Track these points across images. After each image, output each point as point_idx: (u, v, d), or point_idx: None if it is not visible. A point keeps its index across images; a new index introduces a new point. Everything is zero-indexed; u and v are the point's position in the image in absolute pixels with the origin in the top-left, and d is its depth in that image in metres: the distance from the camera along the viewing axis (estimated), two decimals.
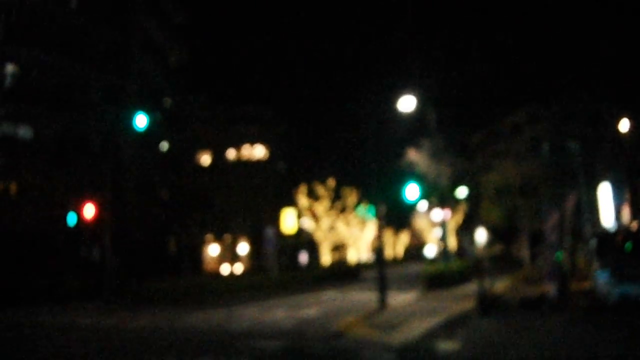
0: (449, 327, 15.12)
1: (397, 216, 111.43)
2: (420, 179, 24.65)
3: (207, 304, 28.15)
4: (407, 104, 25.22)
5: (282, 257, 67.81)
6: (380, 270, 21.73)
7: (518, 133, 61.38)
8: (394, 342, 13.61)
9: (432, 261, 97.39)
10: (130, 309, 26.11)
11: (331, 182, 61.53)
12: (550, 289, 17.41)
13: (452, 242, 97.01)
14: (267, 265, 45.20)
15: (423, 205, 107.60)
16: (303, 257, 71.08)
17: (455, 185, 35.80)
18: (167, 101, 51.43)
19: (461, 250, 51.50)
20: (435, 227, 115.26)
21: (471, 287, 29.64)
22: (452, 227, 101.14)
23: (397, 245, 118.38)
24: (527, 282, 28.37)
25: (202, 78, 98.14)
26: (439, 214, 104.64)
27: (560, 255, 21.05)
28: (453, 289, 29.01)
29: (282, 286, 37.03)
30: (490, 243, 74.11)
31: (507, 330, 14.30)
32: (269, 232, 40.53)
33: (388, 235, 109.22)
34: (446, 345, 13.07)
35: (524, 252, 32.99)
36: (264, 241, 42.07)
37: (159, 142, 48.20)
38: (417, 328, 15.36)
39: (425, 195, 25.52)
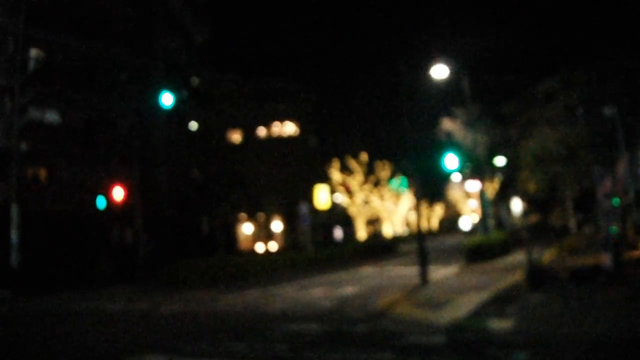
0: (498, 304, 14.20)
1: (431, 188, 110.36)
2: (458, 148, 23.64)
3: (242, 283, 27.54)
4: (440, 71, 24.71)
5: (317, 234, 67.30)
6: (420, 244, 20.86)
7: (552, 100, 59.88)
8: (441, 321, 12.77)
9: (470, 233, 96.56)
10: (164, 292, 25.55)
11: (364, 155, 60.63)
12: (605, 259, 16.37)
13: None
14: (301, 242, 44.59)
15: (457, 176, 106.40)
16: (338, 233, 70.56)
17: (492, 154, 34.67)
18: (195, 80, 50.70)
19: (498, 221, 50.40)
20: (469, 198, 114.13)
21: (513, 259, 28.70)
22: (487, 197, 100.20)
23: (431, 217, 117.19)
24: (573, 253, 27.28)
25: (228, 55, 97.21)
26: (474, 184, 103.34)
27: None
28: (494, 261, 28.06)
29: (318, 263, 36.40)
30: (526, 213, 72.80)
31: (562, 306, 13.34)
32: (303, 208, 39.77)
33: (422, 207, 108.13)
34: (498, 324, 12.17)
35: (569, 221, 31.74)
36: (298, 218, 41.39)
37: (188, 122, 47.52)
38: (464, 305, 14.50)
39: (463, 164, 24.58)
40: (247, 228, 62.20)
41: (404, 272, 28.62)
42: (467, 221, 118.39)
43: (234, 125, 72.76)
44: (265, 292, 22.91)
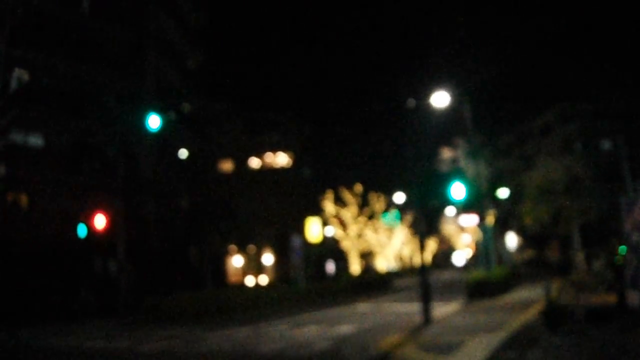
0: (516, 348, 12.66)
1: (425, 222, 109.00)
2: (464, 177, 22.24)
3: (231, 320, 25.93)
4: (441, 99, 23.80)
5: (309, 267, 65.60)
6: (423, 279, 19.33)
7: (548, 133, 58.78)
8: None
9: (464, 268, 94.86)
10: (147, 328, 23.86)
11: (358, 187, 59.12)
12: (633, 297, 14.88)
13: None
14: (293, 276, 43.04)
15: (451, 210, 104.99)
16: (330, 267, 68.86)
17: (494, 185, 33.33)
18: (186, 106, 49.32)
19: (496, 256, 48.95)
20: (463, 232, 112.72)
21: (517, 296, 27.24)
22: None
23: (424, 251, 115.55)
24: (581, 289, 25.74)
25: (221, 82, 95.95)
26: (468, 219, 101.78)
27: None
28: (498, 298, 26.54)
29: (311, 298, 34.88)
30: (521, 248, 71.56)
31: (592, 352, 11.84)
32: (296, 240, 38.26)
33: (415, 241, 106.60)
34: None
35: (575, 256, 30.27)
36: (290, 250, 39.82)
37: (177, 149, 46.04)
38: (477, 349, 12.98)
39: (469, 194, 23.22)
40: (237, 260, 60.43)
41: (403, 309, 27.10)
42: (461, 256, 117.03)
43: (225, 155, 71.27)
44: (255, 330, 21.32)
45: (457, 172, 25.37)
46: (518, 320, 17.36)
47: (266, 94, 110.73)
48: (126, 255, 29.73)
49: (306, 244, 59.98)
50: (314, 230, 58.65)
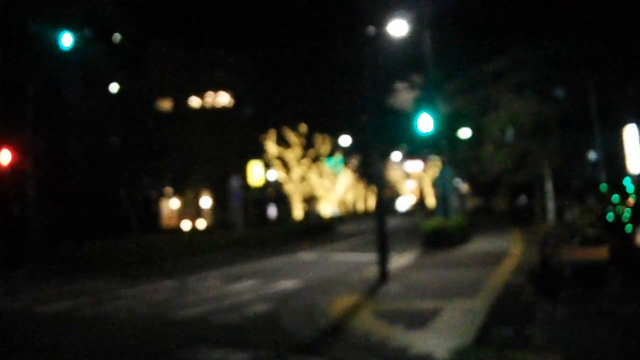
0: (507, 322, 9.77)
1: (368, 168, 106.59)
2: (431, 108, 19.35)
3: (156, 271, 22.81)
4: (398, 27, 21.35)
5: (250, 212, 62.70)
6: (379, 226, 16.37)
7: (500, 79, 56.14)
8: (437, 352, 8.32)
9: (408, 214, 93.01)
10: (57, 281, 20.59)
11: (302, 127, 55.83)
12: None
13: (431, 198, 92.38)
14: (232, 221, 40.17)
15: (397, 155, 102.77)
16: (272, 211, 66.20)
17: (454, 126, 30.51)
18: (116, 36, 45.12)
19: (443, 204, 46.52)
20: (408, 179, 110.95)
21: (477, 247, 24.69)
22: (428, 180, 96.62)
23: (368, 197, 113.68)
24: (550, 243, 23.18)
25: (158, 16, 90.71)
26: (414, 164, 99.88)
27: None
28: (457, 249, 23.82)
29: (250, 245, 32.05)
30: (467, 196, 69.32)
31: (612, 329, 9.06)
32: (234, 183, 35.25)
33: (359, 187, 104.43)
34: None
35: (547, 205, 27.57)
36: (229, 194, 36.76)
37: (107, 84, 41.98)
38: (458, 321, 10.13)
39: (438, 126, 20.47)
40: (173, 204, 57.00)
41: (351, 259, 24.30)
42: (405, 202, 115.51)
43: (165, 94, 67.31)
44: (182, 284, 18.26)
45: (422, 103, 22.37)
46: (494, 280, 14.58)
47: (208, 28, 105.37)
48: (42, 197, 26.23)
49: (247, 188, 57.02)
50: (255, 173, 55.69)
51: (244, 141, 59.60)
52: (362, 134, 17.46)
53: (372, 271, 16.61)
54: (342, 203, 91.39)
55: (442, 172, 26.17)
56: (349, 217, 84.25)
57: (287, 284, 17.06)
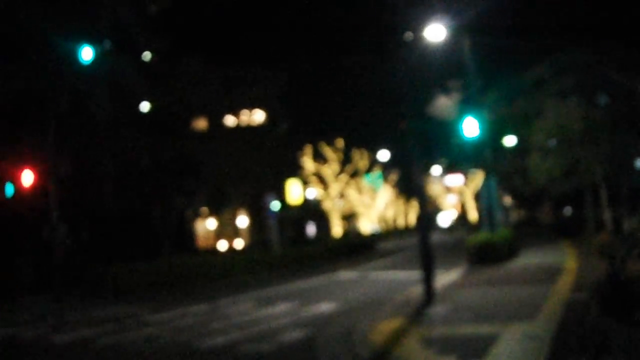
0: (577, 350, 8.41)
1: (408, 182, 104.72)
2: (476, 112, 18.04)
3: (189, 294, 21.72)
4: (436, 32, 20.03)
5: (288, 230, 61.44)
6: (423, 242, 14.98)
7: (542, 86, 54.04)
8: None
9: (450, 230, 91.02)
10: (85, 306, 19.61)
11: (339, 142, 54.46)
12: None
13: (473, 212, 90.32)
14: (269, 240, 39.06)
15: (436, 169, 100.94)
16: (310, 229, 64.99)
17: (499, 134, 29.00)
18: (147, 54, 44.43)
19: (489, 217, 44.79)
20: (449, 193, 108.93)
21: (527, 261, 23.09)
22: (469, 194, 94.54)
23: (409, 213, 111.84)
24: (606, 255, 21.55)
25: (190, 32, 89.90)
26: (454, 178, 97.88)
27: None
28: (506, 265, 22.32)
29: (287, 265, 30.84)
30: (512, 209, 67.38)
31: None
32: (269, 200, 33.99)
33: (399, 202, 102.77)
34: None
35: (604, 215, 25.72)
36: (265, 212, 35.56)
37: (138, 102, 41.16)
38: (520, 350, 8.75)
39: (484, 130, 19.17)
40: (210, 224, 55.89)
41: (393, 277, 22.97)
42: (446, 217, 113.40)
43: (199, 112, 66.62)
44: (212, 309, 17.07)
45: (467, 107, 20.96)
46: (553, 299, 13.11)
47: (242, 46, 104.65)
48: (69, 219, 25.27)
49: (285, 206, 55.78)
50: (294, 191, 54.47)
51: (280, 158, 58.44)
52: (401, 144, 16.04)
53: (417, 291, 15.27)
54: (382, 219, 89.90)
55: (486, 183, 24.67)
56: (390, 233, 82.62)
57: (324, 307, 15.76)
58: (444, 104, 29.83)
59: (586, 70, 31.22)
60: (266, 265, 30.24)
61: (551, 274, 17.63)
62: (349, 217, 66.42)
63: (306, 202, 57.91)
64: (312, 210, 59.22)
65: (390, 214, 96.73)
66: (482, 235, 24.34)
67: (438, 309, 13.07)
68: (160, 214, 40.06)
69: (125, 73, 39.00)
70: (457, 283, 17.91)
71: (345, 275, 25.47)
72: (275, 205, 33.85)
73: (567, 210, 55.14)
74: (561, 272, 18.20)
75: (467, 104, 28.15)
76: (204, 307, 17.60)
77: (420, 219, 15.28)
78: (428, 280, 14.52)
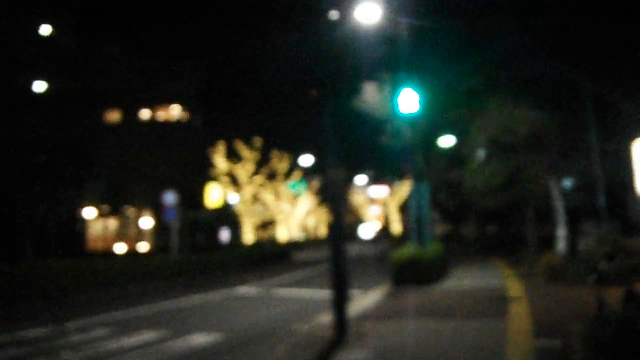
0: None
1: (331, 191, 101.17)
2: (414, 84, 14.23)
3: (42, 308, 17.20)
4: (368, 13, 17.22)
5: (199, 235, 57.05)
6: (336, 263, 10.92)
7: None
8: None
9: (373, 242, 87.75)
10: None
11: (257, 141, 50.05)
12: None
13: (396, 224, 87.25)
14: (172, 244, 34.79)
15: (361, 179, 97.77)
16: (225, 235, 60.69)
17: (434, 134, 25.33)
18: (48, 28, 39.44)
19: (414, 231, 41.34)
20: (373, 204, 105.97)
21: (461, 283, 19.43)
22: (393, 206, 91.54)
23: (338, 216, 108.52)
24: (554, 279, 17.87)
25: (114, 29, 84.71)
26: (379, 190, 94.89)
27: None
28: (438, 286, 18.57)
29: (185, 273, 26.72)
30: (437, 222, 64.17)
31: None
32: (169, 198, 29.66)
33: (321, 212, 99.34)
34: None
35: (558, 232, 22.04)
36: (164, 212, 31.20)
37: (31, 78, 36.17)
38: None
39: (423, 106, 15.49)
40: (110, 224, 50.90)
41: (301, 295, 18.96)
42: (369, 229, 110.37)
43: (113, 104, 61.93)
44: (55, 335, 12.72)
45: (404, 78, 17.01)
46: (514, 348, 9.20)
47: (163, 39, 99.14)
48: None
49: (197, 208, 51.39)
50: (213, 194, 50.26)
51: (191, 155, 54.00)
52: (320, 140, 12.08)
53: (326, 320, 11.29)
54: (304, 228, 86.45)
55: (416, 190, 20.83)
56: (310, 243, 79.02)
57: (199, 340, 11.58)
58: (372, 97, 26.00)
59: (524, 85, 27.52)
60: (160, 274, 25.98)
61: (497, 303, 13.85)
62: (267, 225, 62.39)
63: (226, 206, 53.84)
64: (229, 214, 54.83)
65: (311, 222, 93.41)
66: (410, 250, 20.45)
67: (351, 358, 9.02)
68: (46, 209, 35.14)
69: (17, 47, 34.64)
70: (379, 311, 13.86)
71: (246, 290, 21.26)
72: (174, 204, 29.43)
73: (492, 228, 52.44)
74: (508, 300, 14.43)
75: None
76: (44, 331, 13.19)
77: (333, 229, 11.20)
78: (340, 310, 10.50)
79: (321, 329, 11.32)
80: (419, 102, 13.08)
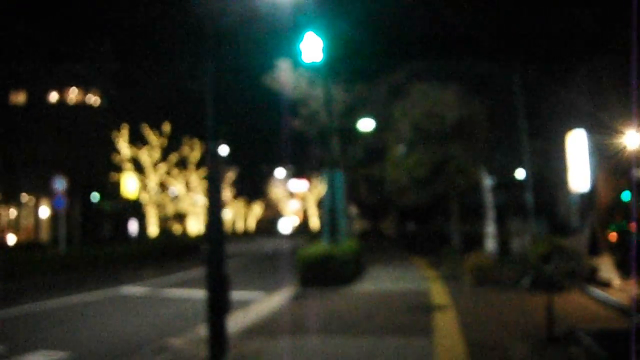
0: None
1: (251, 184, 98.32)
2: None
3: None
4: None
5: (106, 225, 53.63)
6: (212, 263, 8.28)
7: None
8: None
9: (291, 237, 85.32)
10: None
11: (166, 126, 46.56)
12: None
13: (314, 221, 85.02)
14: (70, 235, 31.56)
15: (280, 172, 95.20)
16: (133, 227, 57.37)
17: (351, 117, 22.85)
18: None
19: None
20: (292, 198, 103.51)
21: (377, 285, 17.01)
22: (313, 201, 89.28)
23: (249, 216, 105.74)
24: (481, 282, 15.57)
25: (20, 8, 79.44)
26: (298, 184, 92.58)
27: None
28: (351, 288, 16.12)
29: (75, 268, 23.99)
30: (356, 218, 62.28)
31: None
32: (58, 184, 26.49)
33: (239, 206, 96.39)
34: None
35: (487, 229, 19.69)
36: (52, 199, 28.05)
37: None
38: None
39: (327, 56, 13.02)
40: (12, 214, 46.78)
41: (192, 296, 16.14)
42: (288, 223, 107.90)
43: (18, 86, 57.76)
44: None
45: (308, 20, 14.42)
46: None
47: (71, 18, 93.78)
48: None
49: (103, 197, 48.04)
50: (129, 184, 46.86)
51: (97, 142, 50.34)
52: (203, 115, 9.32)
53: (201, 340, 8.64)
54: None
55: (330, 179, 18.29)
56: (227, 237, 75.92)
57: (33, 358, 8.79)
58: (286, 76, 23.41)
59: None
60: (45, 269, 22.96)
61: (421, 312, 11.45)
62: (178, 217, 59.11)
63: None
64: (136, 205, 51.35)
65: (228, 216, 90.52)
66: (320, 247, 17.93)
67: None
68: None
69: None
70: (276, 322, 11.21)
71: (132, 290, 18.33)
72: (63, 191, 26.27)
73: (412, 225, 50.72)
74: (433, 308, 12.06)
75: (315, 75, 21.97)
76: None
77: (210, 214, 8.53)
78: (217, 324, 7.90)
79: (197, 345, 8.73)
80: (323, 49, 10.72)
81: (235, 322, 10.92)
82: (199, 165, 52.89)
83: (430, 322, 10.29)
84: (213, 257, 8.18)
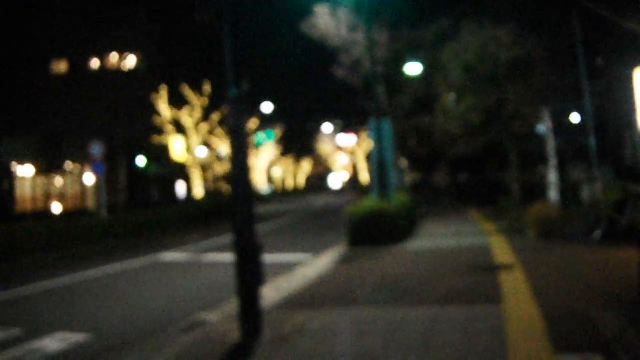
0: None
1: (298, 141, 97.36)
2: None
3: None
4: None
5: (155, 190, 53.27)
6: (240, 228, 7.14)
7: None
8: None
9: (341, 192, 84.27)
10: None
11: (206, 86, 45.49)
12: None
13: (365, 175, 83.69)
14: (118, 202, 30.95)
15: (327, 127, 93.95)
16: (181, 190, 57.08)
17: (399, 62, 21.42)
18: None
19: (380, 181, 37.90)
20: (341, 153, 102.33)
21: (435, 244, 15.67)
22: (362, 154, 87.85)
23: (298, 173, 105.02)
24: (548, 236, 14.20)
25: None
26: (347, 138, 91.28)
27: None
28: (405, 247, 14.87)
29: (118, 234, 23.49)
30: (407, 171, 60.82)
31: None
32: (96, 149, 25.68)
33: (288, 163, 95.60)
34: None
35: (550, 177, 18.07)
36: (92, 164, 27.31)
37: None
38: None
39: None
40: (48, 181, 46.36)
41: (230, 265, 15.03)
42: (338, 179, 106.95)
43: (59, 54, 57.39)
44: None
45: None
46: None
47: None
48: None
49: (151, 161, 47.54)
50: (177, 147, 46.25)
51: (136, 104, 49.63)
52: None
53: (235, 314, 7.50)
54: (270, 180, 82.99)
55: (377, 130, 16.91)
56: (277, 195, 75.45)
57: (54, 345, 7.80)
58: (325, 22, 22.01)
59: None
60: (86, 237, 22.24)
61: (484, 274, 10.15)
62: (228, 178, 58.39)
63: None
64: (182, 168, 50.72)
65: (277, 174, 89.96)
66: (370, 203, 16.69)
67: None
68: None
69: None
70: (321, 289, 10.01)
71: (170, 257, 17.36)
72: (100, 155, 25.43)
73: (464, 176, 49.12)
74: (497, 267, 10.74)
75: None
76: None
77: (235, 172, 7.35)
78: (248, 299, 6.78)
79: (232, 321, 7.62)
80: None
81: (277, 290, 9.84)
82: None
83: (497, 286, 8.99)
84: (239, 220, 7.00)
